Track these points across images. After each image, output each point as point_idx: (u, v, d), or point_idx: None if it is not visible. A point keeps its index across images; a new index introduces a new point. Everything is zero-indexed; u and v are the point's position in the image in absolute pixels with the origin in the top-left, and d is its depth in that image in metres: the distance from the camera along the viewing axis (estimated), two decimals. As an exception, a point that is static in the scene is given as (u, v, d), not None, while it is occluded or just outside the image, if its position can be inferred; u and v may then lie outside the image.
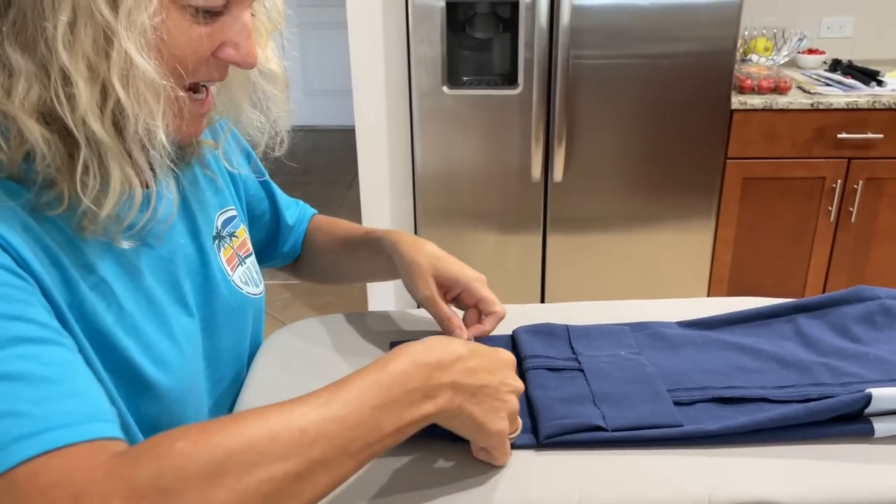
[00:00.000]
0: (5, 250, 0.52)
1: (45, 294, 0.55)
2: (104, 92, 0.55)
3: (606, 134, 2.19)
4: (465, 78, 2.20)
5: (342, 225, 0.98)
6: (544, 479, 0.62)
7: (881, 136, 2.19)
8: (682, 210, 2.27)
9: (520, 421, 0.65)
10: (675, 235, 2.29)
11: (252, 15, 0.64)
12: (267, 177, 0.93)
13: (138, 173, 0.60)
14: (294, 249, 0.99)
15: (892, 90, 2.21)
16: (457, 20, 2.15)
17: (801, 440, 0.65)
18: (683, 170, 2.23)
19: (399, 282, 0.85)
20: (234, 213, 0.82)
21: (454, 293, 0.82)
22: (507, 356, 0.64)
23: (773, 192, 2.28)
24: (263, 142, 0.80)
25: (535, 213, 2.27)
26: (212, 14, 0.60)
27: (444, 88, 2.14)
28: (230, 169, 0.83)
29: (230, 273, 0.78)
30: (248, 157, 0.89)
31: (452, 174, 2.24)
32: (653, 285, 2.34)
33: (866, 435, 0.65)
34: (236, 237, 0.81)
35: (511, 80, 2.15)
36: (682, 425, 0.66)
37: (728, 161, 2.23)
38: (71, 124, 0.55)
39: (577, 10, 2.04)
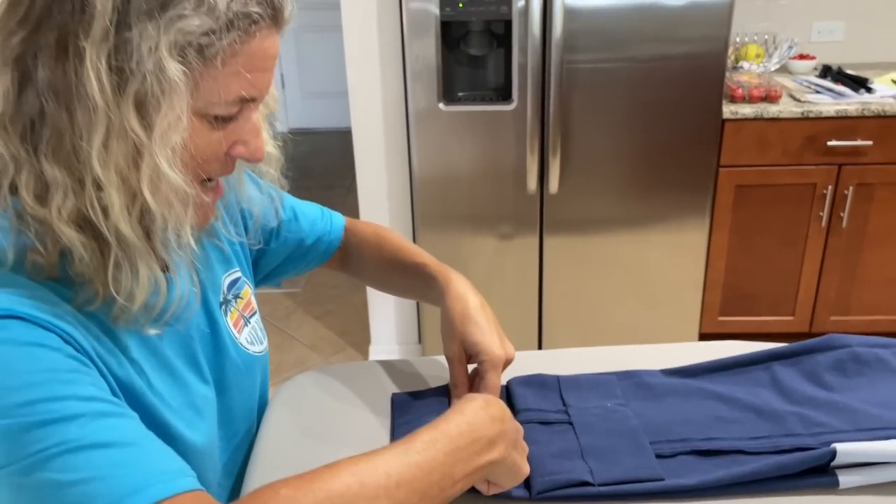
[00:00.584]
0: (67, 342, 0.58)
1: (103, 377, 0.60)
2: (133, 198, 0.59)
3: (601, 144, 2.23)
4: (460, 94, 2.24)
5: (389, 243, 0.99)
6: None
7: (870, 142, 2.23)
8: (676, 217, 2.31)
9: None
10: (670, 242, 2.34)
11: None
12: (285, 214, 0.95)
13: (161, 266, 0.64)
14: (323, 259, 1.02)
15: (881, 97, 2.25)
16: (451, 37, 2.19)
17: (772, 492, 0.71)
18: (677, 178, 2.27)
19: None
20: (238, 274, 0.86)
21: (473, 361, 0.84)
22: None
23: (765, 199, 2.32)
24: (260, 212, 0.86)
25: (531, 222, 2.32)
26: (227, 119, 0.64)
27: (440, 105, 2.18)
28: (230, 237, 0.86)
29: (237, 336, 0.82)
30: (265, 194, 0.90)
31: (449, 185, 2.28)
32: (649, 291, 2.39)
33: (832, 486, 0.71)
34: (241, 298, 0.85)
35: (506, 96, 2.19)
36: (662, 479, 0.72)
37: (721, 169, 2.28)
38: (104, 230, 0.59)
39: (569, 16, 2.07)
